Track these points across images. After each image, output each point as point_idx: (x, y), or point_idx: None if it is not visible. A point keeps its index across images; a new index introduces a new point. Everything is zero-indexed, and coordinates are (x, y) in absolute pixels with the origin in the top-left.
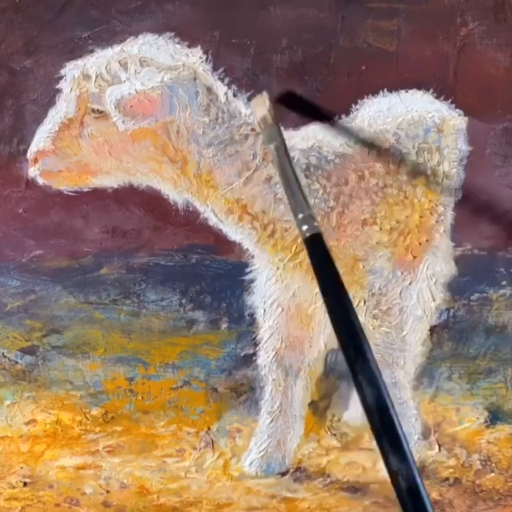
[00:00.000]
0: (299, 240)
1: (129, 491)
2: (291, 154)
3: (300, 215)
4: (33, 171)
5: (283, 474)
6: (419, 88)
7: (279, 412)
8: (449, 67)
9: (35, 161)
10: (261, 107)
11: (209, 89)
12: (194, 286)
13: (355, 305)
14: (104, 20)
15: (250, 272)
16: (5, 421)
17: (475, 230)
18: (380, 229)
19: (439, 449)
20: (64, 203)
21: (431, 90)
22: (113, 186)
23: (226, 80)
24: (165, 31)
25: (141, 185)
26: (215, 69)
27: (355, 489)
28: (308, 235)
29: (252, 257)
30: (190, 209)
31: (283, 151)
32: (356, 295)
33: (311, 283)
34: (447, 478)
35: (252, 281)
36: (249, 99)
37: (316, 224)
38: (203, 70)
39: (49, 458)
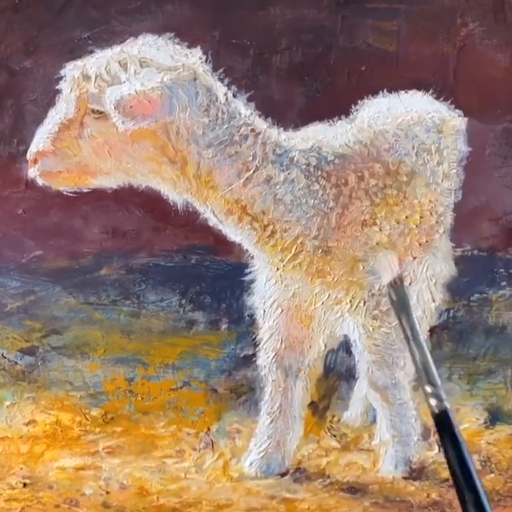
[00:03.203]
0: (299, 240)
1: (129, 491)
2: (291, 154)
3: (429, 389)
4: (32, 172)
5: (283, 475)
6: (418, 89)
7: (279, 412)
8: (448, 67)
9: (35, 161)
10: (387, 268)
11: (209, 90)
12: (194, 287)
13: (355, 306)
14: (104, 21)
15: (250, 272)
16: (5, 422)
17: (475, 231)
18: (380, 230)
19: (439, 450)
20: (64, 203)
21: (431, 91)
22: (113, 187)
23: (226, 81)
24: (165, 32)
25: (141, 186)
26: (214, 69)
27: (355, 490)
28: (437, 411)
29: (252, 257)
30: (190, 210)
31: (411, 311)
32: (356, 296)
33: (311, 283)
34: (447, 479)
35: (251, 281)
36: (249, 99)
37: (444, 398)
38: (203, 70)
39: (49, 459)
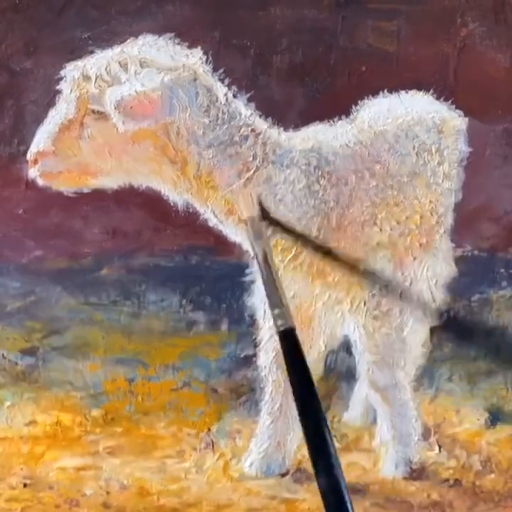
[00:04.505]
0: (299, 241)
1: (129, 492)
2: (292, 155)
3: (276, 311)
4: (32, 172)
5: (283, 475)
6: (419, 89)
7: (280, 413)
8: (449, 67)
9: (35, 162)
10: (249, 206)
11: (209, 90)
12: (194, 287)
13: (355, 306)
14: (104, 21)
15: (250, 273)
16: (5, 422)
17: (475, 231)
18: (380, 230)
19: (440, 450)
20: (64, 204)
21: (431, 91)
22: (113, 187)
23: (226, 81)
24: (165, 32)
25: (141, 186)
26: (215, 70)
27: (355, 490)
28: (282, 328)
29: (253, 258)
30: (190, 210)
31: (268, 248)
32: (357, 296)
33: (312, 284)
34: (447, 479)
35: (252, 282)
36: (249, 99)
37: (290, 320)
38: (203, 70)
39: (49, 459)
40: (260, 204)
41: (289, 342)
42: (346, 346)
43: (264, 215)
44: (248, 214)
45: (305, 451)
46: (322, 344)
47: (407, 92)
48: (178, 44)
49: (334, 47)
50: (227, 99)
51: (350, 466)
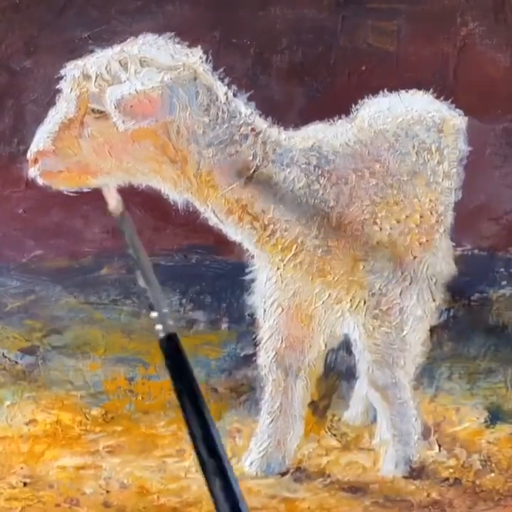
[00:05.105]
0: (299, 239)
1: (129, 491)
2: (292, 154)
3: (154, 314)
4: (33, 171)
5: (283, 474)
6: (419, 88)
7: (279, 412)
8: (449, 67)
9: (35, 161)
10: (112, 196)
11: (209, 89)
12: (194, 286)
13: (355, 305)
14: (105, 21)
15: (250, 272)
16: (5, 421)
17: (475, 230)
18: (380, 229)
19: (439, 449)
20: (64, 203)
21: (431, 90)
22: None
23: (226, 80)
24: (165, 31)
25: (141, 185)
26: (215, 69)
27: (355, 489)
28: (161, 335)
29: (252, 257)
30: (191, 209)
31: (135, 238)
32: (356, 295)
33: (312, 283)
34: (447, 478)
35: (252, 281)
36: (249, 99)
37: (170, 324)
38: (203, 70)
39: (49, 458)
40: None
41: (171, 348)
42: (346, 345)
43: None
44: (111, 207)
45: (305, 451)
46: (322, 343)
47: (407, 92)
48: (178, 43)
49: (334, 46)
50: (227, 98)
51: (351, 465)
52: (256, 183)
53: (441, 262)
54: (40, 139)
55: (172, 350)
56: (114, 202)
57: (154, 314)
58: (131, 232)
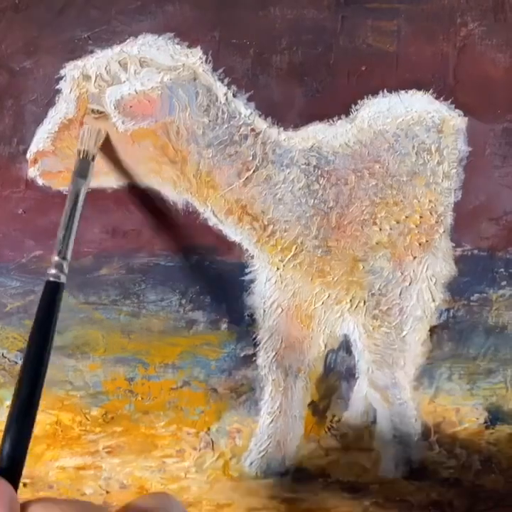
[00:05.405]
0: (299, 240)
1: (129, 491)
2: (291, 154)
3: (55, 258)
4: (32, 172)
5: (283, 475)
6: (419, 88)
7: (279, 412)
8: (448, 67)
9: (35, 161)
10: (92, 138)
11: (209, 90)
12: (194, 287)
13: (355, 305)
14: (104, 21)
15: (250, 272)
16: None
17: (475, 231)
18: (380, 229)
19: (439, 450)
20: (64, 203)
21: (431, 90)
22: (112, 187)
23: (226, 81)
24: (165, 32)
25: (141, 186)
26: (214, 69)
27: (355, 489)
28: (51, 279)
29: (252, 257)
30: (190, 209)
31: (84, 192)
32: (356, 295)
33: (311, 283)
34: (447, 479)
35: (251, 281)
36: (249, 99)
37: (64, 276)
38: (203, 70)
39: (49, 458)
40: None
41: (50, 294)
42: (346, 346)
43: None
44: (84, 147)
45: (305, 451)
46: (322, 343)
47: (406, 92)
48: (178, 44)
49: (334, 46)
50: (226, 98)
51: (351, 466)
52: (256, 183)
53: (441, 262)
54: (40, 139)
55: (51, 295)
56: (90, 145)
57: (55, 258)
58: (84, 184)
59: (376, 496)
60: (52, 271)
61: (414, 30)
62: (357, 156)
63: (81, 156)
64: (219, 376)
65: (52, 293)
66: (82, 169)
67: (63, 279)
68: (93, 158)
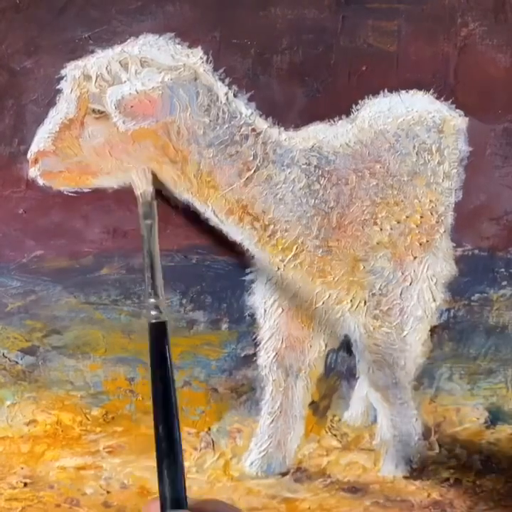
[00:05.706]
0: (300, 240)
1: (130, 491)
2: (292, 154)
3: (151, 300)
4: (33, 172)
5: (283, 475)
6: (419, 88)
7: (280, 412)
8: (449, 67)
9: (36, 161)
10: (142, 179)
11: (210, 90)
12: (194, 287)
13: (355, 305)
14: (105, 21)
15: (251, 272)
16: (5, 421)
17: (475, 231)
18: (381, 229)
19: (440, 450)
20: (64, 203)
21: (431, 90)
22: (113, 187)
23: (227, 81)
24: (165, 32)
25: None
26: (215, 69)
27: (356, 489)
28: (153, 321)
29: (253, 257)
30: (191, 209)
31: (155, 230)
32: (357, 295)
33: (312, 283)
34: (448, 479)
35: (252, 281)
36: (249, 99)
37: (164, 313)
38: (204, 70)
39: (49, 458)
40: (155, 182)
41: (158, 334)
42: (347, 346)
43: (157, 193)
44: (140, 190)
45: (306, 451)
46: (322, 343)
47: (407, 92)
48: (179, 44)
49: (334, 46)
50: (227, 98)
51: (351, 466)
52: (256, 183)
53: (442, 262)
54: (41, 139)
55: (159, 336)
56: (145, 185)
57: (152, 300)
58: (151, 216)
59: (376, 496)
60: (153, 312)
61: (415, 30)
62: (358, 156)
63: (141, 201)
64: (219, 376)
65: (159, 333)
66: (146, 212)
67: (164, 317)
68: (153, 198)
